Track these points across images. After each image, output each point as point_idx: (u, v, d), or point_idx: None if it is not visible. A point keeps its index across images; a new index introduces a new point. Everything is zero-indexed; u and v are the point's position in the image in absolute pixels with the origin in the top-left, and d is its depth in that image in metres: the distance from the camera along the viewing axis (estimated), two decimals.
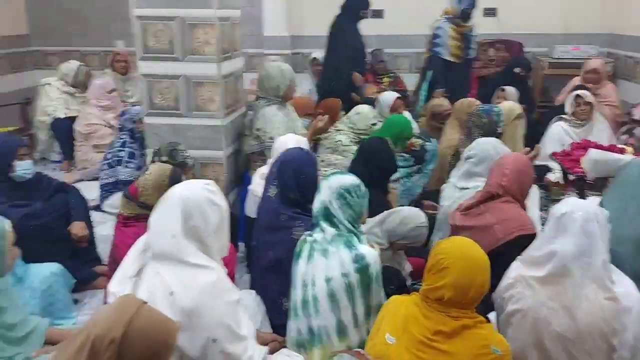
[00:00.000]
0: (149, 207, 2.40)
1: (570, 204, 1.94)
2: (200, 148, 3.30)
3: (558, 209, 1.93)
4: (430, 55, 5.03)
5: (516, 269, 1.99)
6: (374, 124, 3.69)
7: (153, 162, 2.87)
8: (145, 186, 2.43)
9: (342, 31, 4.91)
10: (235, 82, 3.51)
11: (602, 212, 1.91)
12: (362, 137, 3.59)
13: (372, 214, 2.60)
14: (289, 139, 2.98)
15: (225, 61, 3.30)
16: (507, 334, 1.93)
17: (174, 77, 3.23)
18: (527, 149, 3.76)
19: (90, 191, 4.42)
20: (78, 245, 2.91)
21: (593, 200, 2.78)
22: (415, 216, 2.66)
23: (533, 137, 4.22)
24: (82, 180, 4.96)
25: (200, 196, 1.84)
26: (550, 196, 3.60)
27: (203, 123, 3.27)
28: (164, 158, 2.85)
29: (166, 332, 1.35)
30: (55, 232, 2.83)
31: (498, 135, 3.45)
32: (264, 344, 2.13)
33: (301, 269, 2.12)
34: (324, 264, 2.05)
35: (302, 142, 3.00)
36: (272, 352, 2.10)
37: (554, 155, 3.69)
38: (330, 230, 2.10)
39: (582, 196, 3.37)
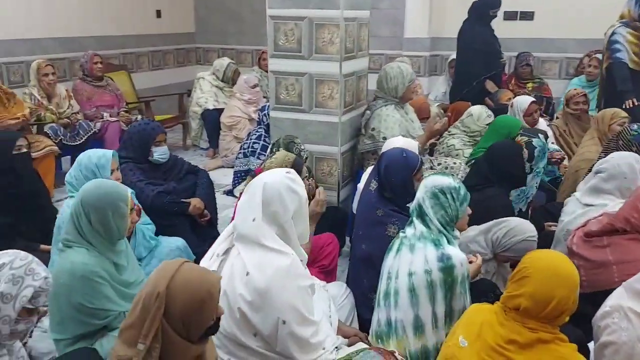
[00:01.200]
0: None
1: None
2: (316, 143, 3.44)
3: None
4: (610, 63, 4.43)
5: (617, 297, 1.81)
6: (488, 124, 3.54)
7: (272, 152, 3.06)
8: (269, 169, 2.60)
9: (471, 35, 4.78)
10: (357, 81, 3.59)
11: None
12: (476, 139, 3.46)
13: (492, 215, 2.54)
14: (397, 140, 2.98)
15: (348, 60, 3.38)
16: None
17: (299, 74, 3.39)
18: None
19: (227, 177, 4.86)
20: (198, 220, 3.19)
21: None
22: (524, 229, 2.50)
23: None
24: (222, 167, 5.44)
25: (280, 183, 1.93)
26: None
27: (321, 119, 3.41)
28: (282, 149, 3.02)
29: (207, 283, 1.47)
30: (182, 208, 3.14)
31: None
32: (346, 337, 2.18)
33: (389, 261, 2.16)
34: (409, 258, 2.06)
35: (411, 145, 2.97)
36: (349, 346, 2.13)
37: None
38: (421, 228, 2.11)
39: None
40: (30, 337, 2.34)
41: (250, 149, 4.60)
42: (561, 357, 1.60)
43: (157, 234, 2.89)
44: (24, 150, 3.06)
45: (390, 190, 2.46)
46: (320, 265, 2.71)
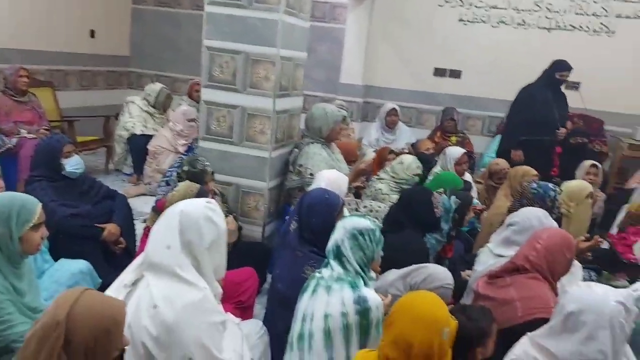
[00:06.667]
0: None
1: (580, 299, 1.74)
2: (244, 177, 3.42)
3: (566, 303, 1.77)
4: None
5: (523, 345, 1.87)
6: (416, 175, 3.65)
7: (178, 174, 3.01)
8: (171, 201, 2.52)
9: (529, 96, 4.82)
10: (289, 119, 3.62)
11: (622, 311, 1.69)
12: (403, 186, 3.56)
13: (409, 256, 2.57)
14: (328, 173, 3.00)
15: (282, 98, 3.42)
16: None
17: (232, 106, 3.38)
18: (587, 235, 3.44)
19: (148, 205, 4.68)
20: (112, 248, 3.02)
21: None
22: (441, 276, 2.57)
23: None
24: (144, 194, 5.24)
25: (198, 212, 1.86)
26: (602, 281, 3.33)
27: (251, 153, 3.40)
28: (186, 167, 3.01)
29: (111, 309, 1.37)
30: (95, 234, 2.96)
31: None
32: None
33: (304, 302, 2.11)
34: (325, 300, 2.03)
35: (341, 178, 3.00)
36: None
37: (609, 237, 3.43)
38: (338, 269, 2.09)
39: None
40: None
41: (173, 178, 4.48)
42: None
43: (68, 257, 2.70)
44: None
45: (311, 231, 2.45)
46: (237, 302, 2.64)
